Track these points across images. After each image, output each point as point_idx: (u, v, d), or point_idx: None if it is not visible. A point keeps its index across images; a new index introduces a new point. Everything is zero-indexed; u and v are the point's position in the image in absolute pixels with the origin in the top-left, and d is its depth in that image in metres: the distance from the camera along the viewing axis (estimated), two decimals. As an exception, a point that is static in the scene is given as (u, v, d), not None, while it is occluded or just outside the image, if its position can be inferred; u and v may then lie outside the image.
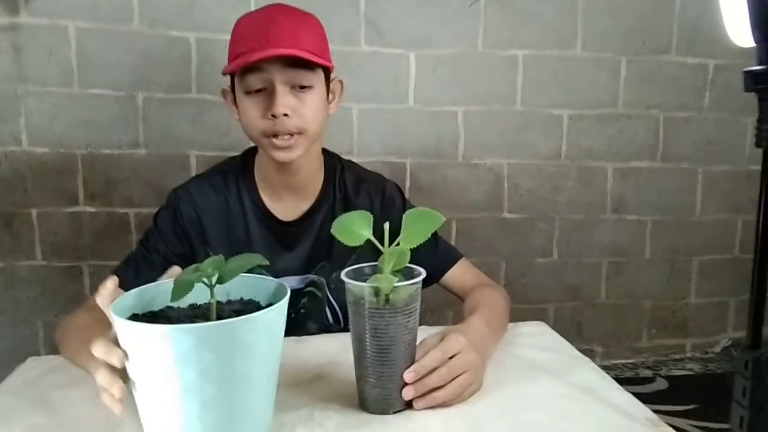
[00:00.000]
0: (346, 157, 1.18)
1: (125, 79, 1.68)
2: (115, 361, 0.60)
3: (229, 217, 1.08)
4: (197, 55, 1.71)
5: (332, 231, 0.70)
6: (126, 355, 0.60)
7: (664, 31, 1.99)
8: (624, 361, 2.23)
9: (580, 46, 1.95)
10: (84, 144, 1.70)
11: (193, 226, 1.07)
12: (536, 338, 1.02)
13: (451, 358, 0.74)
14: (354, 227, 0.70)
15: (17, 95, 1.64)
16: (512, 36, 1.90)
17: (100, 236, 1.75)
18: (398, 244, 0.70)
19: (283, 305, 0.63)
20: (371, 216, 0.71)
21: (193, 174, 1.73)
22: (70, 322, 0.96)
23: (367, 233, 0.69)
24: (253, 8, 1.67)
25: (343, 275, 0.73)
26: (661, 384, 2.08)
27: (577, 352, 0.96)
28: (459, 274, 1.11)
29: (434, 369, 0.73)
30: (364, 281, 0.71)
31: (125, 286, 0.99)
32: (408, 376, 0.71)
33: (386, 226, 0.69)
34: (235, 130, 1.75)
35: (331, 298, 1.13)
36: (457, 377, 0.74)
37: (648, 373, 2.16)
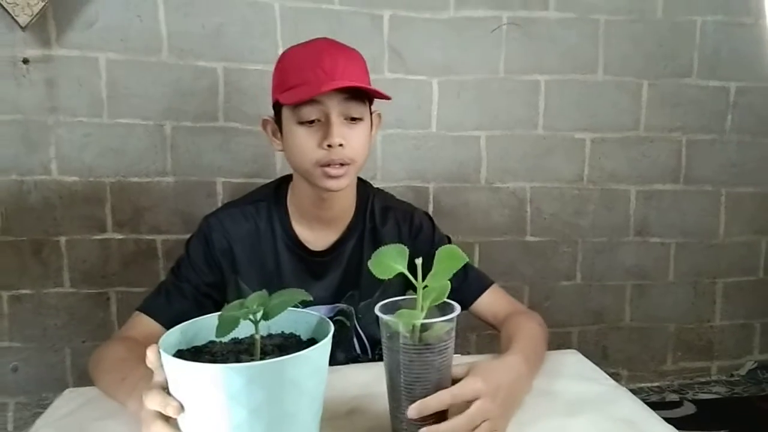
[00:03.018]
0: (366, 180, 1.18)
1: (154, 109, 1.71)
2: (171, 412, 0.60)
3: (260, 245, 1.08)
4: (224, 85, 1.73)
5: (369, 263, 0.69)
6: (182, 406, 0.60)
7: (685, 55, 1.99)
8: (649, 384, 2.20)
9: (601, 71, 1.95)
10: (113, 173, 1.72)
11: (224, 254, 1.07)
12: (572, 368, 1.01)
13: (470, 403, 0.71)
14: (388, 260, 0.69)
15: (48, 125, 1.67)
16: (534, 61, 1.91)
17: (127, 263, 1.76)
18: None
19: (329, 341, 0.64)
20: (407, 250, 0.70)
21: (220, 201, 1.76)
22: (103, 353, 0.95)
23: (400, 267, 0.69)
24: (279, 40, 1.73)
25: (377, 310, 0.72)
26: (689, 408, 2.04)
27: (614, 382, 0.95)
28: (490, 302, 1.10)
29: (443, 413, 0.70)
30: None
31: (157, 314, 1.00)
32: (411, 412, 0.68)
33: (419, 261, 0.68)
34: (261, 157, 1.78)
35: (358, 327, 1.12)
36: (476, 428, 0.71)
37: (674, 396, 2.12)
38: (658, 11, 1.96)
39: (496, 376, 0.75)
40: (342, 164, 0.97)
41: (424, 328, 0.69)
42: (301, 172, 1.01)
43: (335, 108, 0.95)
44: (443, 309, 0.72)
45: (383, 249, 0.71)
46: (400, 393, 0.71)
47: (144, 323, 0.99)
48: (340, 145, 0.95)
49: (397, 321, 0.69)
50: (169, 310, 1.00)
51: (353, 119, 0.98)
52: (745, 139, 2.08)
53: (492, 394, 0.72)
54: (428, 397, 0.69)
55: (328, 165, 0.96)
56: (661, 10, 1.96)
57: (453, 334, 0.71)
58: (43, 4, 1.56)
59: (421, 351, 0.69)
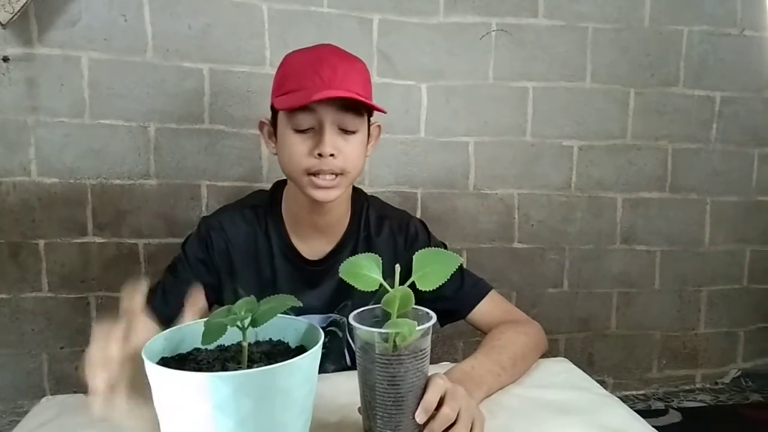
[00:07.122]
0: (359, 188, 1.17)
1: (137, 110, 1.67)
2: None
3: (257, 252, 1.07)
4: (210, 86, 1.70)
5: (341, 275, 0.67)
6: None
7: (671, 64, 2.01)
8: (635, 392, 2.20)
9: (589, 78, 1.96)
10: (94, 174, 1.68)
11: (222, 257, 1.06)
12: (561, 376, 1.00)
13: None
14: (364, 271, 0.67)
15: (27, 125, 1.63)
16: (522, 68, 1.91)
17: (108, 267, 1.72)
18: (412, 285, 0.67)
19: (319, 348, 0.62)
20: (380, 258, 0.68)
21: (204, 204, 1.74)
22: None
23: (378, 276, 0.67)
24: (267, 42, 1.71)
25: (351, 318, 0.70)
26: (674, 416, 2.05)
27: (604, 391, 0.95)
28: (486, 311, 1.08)
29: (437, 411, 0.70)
30: (374, 324, 0.69)
31: (153, 312, 0.98)
32: (419, 417, 0.68)
33: (397, 267, 0.66)
34: (247, 160, 1.75)
35: (350, 339, 1.11)
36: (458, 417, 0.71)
37: (660, 405, 2.13)
38: (645, 20, 1.97)
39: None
40: (334, 175, 0.96)
41: (397, 336, 0.66)
42: (291, 178, 1.01)
43: (329, 117, 0.94)
44: (418, 315, 0.70)
45: (352, 259, 0.68)
46: (377, 406, 0.69)
47: None
48: (331, 155, 0.94)
49: (371, 331, 0.67)
50: (165, 308, 0.97)
51: (348, 131, 0.96)
52: (730, 149, 2.09)
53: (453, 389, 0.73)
54: (426, 393, 0.69)
55: (317, 174, 0.95)
56: (648, 20, 1.97)
57: (429, 341, 0.70)
58: (24, 1, 1.52)
59: (397, 361, 0.67)
